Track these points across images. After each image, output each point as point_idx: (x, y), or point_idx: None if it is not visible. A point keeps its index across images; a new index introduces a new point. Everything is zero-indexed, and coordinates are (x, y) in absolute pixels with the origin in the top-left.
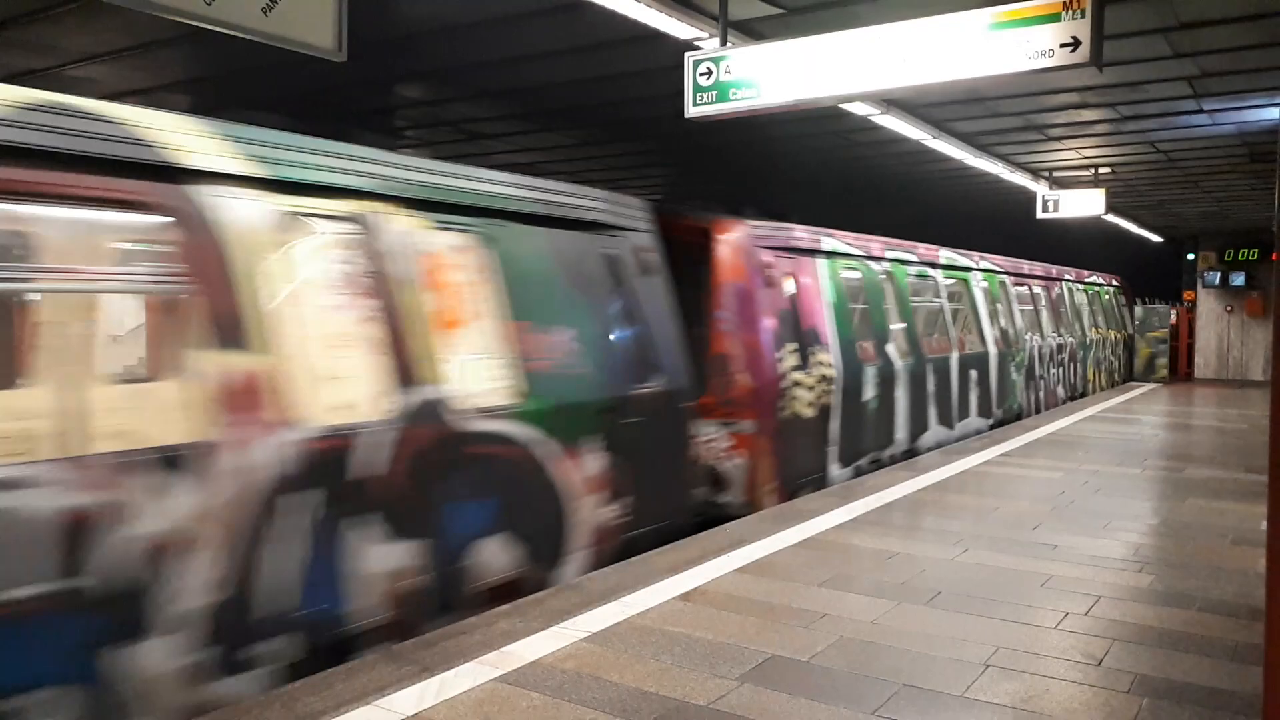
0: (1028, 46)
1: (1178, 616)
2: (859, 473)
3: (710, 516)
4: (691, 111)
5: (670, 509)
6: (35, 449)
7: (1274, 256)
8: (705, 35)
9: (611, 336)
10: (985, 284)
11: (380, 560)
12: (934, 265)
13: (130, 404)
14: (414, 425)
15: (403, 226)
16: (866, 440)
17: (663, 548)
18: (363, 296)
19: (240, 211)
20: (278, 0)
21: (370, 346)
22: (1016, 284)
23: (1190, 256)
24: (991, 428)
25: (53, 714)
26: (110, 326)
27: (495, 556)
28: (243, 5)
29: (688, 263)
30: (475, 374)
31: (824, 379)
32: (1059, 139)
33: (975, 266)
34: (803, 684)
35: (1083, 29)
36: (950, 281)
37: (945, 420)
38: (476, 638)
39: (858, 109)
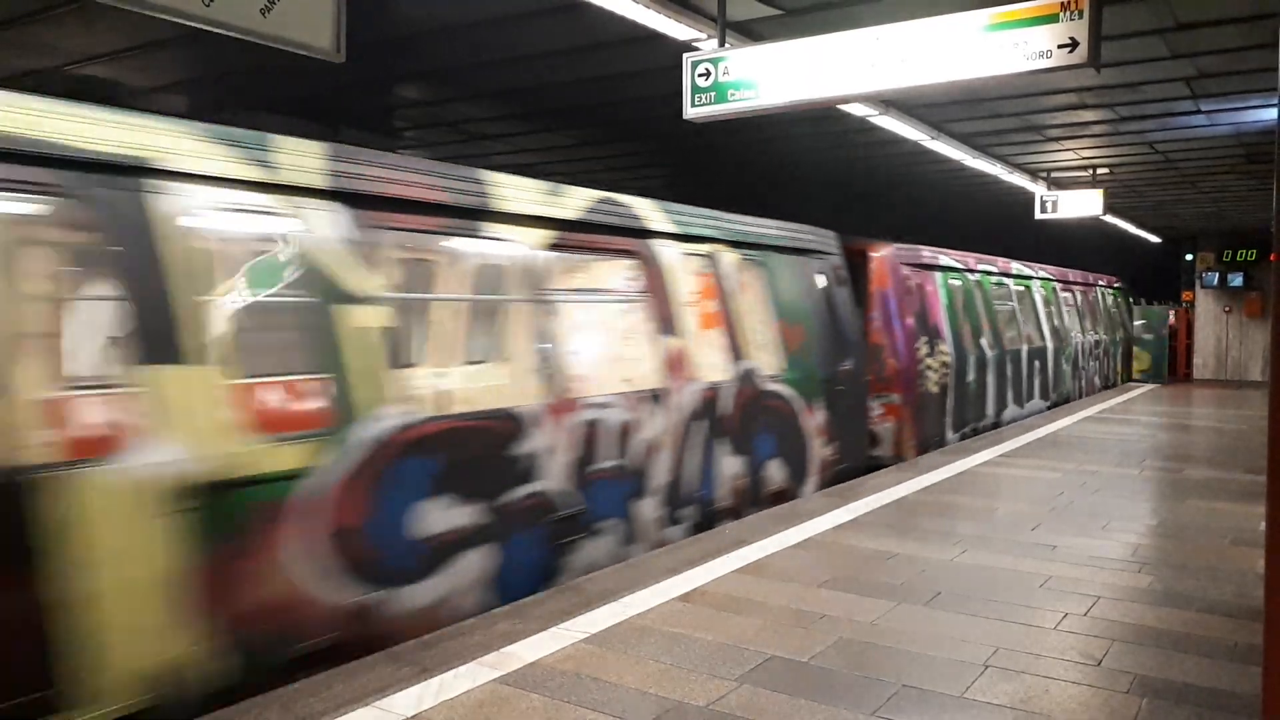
0: (1026, 47)
1: (1177, 617)
2: (963, 437)
3: (870, 466)
4: (690, 112)
5: (856, 454)
6: (615, 388)
7: (1272, 257)
8: (704, 36)
9: (824, 329)
10: (1042, 290)
11: (728, 467)
12: (1007, 275)
13: (637, 365)
14: (741, 384)
15: (729, 258)
16: (970, 413)
17: (662, 548)
18: (713, 303)
19: (668, 254)
20: (276, 1)
21: (718, 334)
22: (1064, 290)
23: (1189, 257)
24: (1048, 408)
25: (612, 535)
26: (622, 322)
27: (774, 472)
28: (241, 6)
29: (851, 274)
30: (762, 353)
31: (944, 364)
32: (1057, 140)
33: (1035, 275)
34: (802, 684)
35: (1080, 30)
36: (1018, 288)
37: (1018, 400)
38: (476, 639)
39: (856, 109)
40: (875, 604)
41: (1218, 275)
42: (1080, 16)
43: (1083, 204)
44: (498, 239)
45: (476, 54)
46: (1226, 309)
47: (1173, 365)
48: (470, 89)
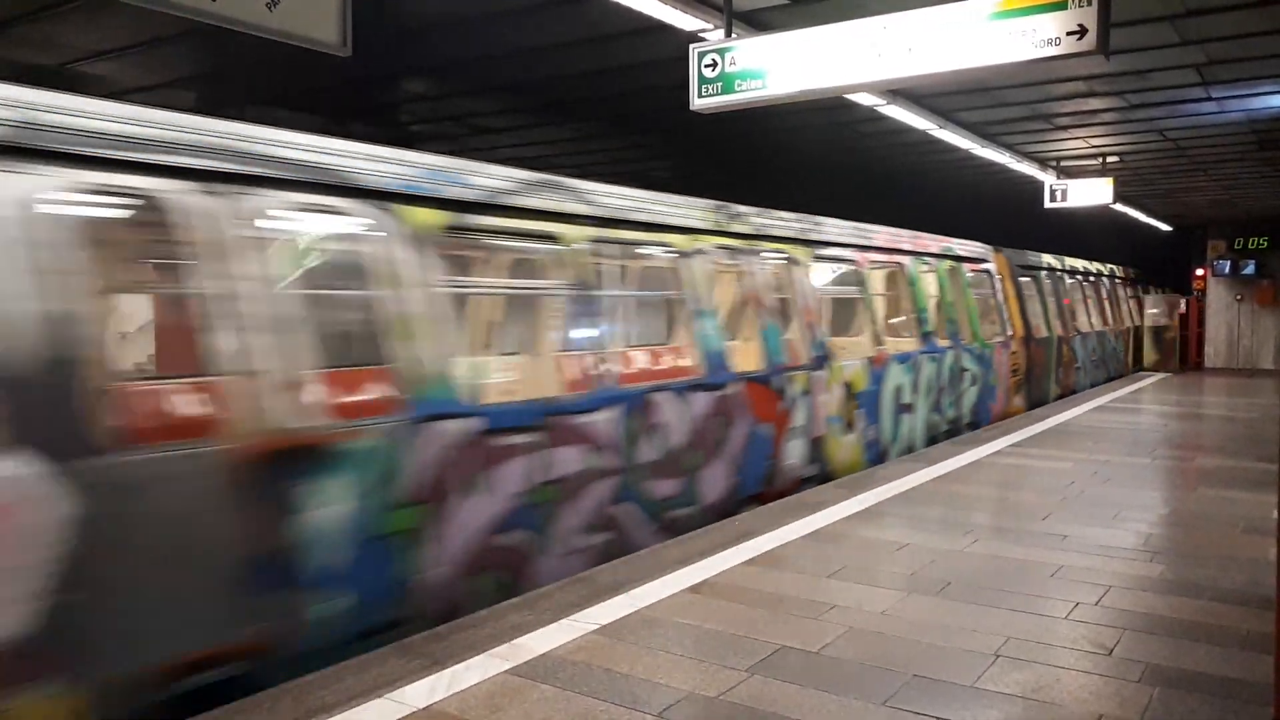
0: (1034, 35)
1: (1189, 606)
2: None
3: (1121, 373)
4: (697, 104)
5: (1122, 367)
6: (1110, 327)
7: None
8: (710, 27)
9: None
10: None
11: (1109, 355)
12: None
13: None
14: (1106, 329)
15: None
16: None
17: (671, 540)
18: (1110, 303)
19: (1119, 286)
20: None
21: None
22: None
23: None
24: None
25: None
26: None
27: (1120, 358)
28: (247, 1)
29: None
30: (1116, 320)
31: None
32: (1066, 128)
33: (1128, 277)
34: (812, 675)
35: (1089, 16)
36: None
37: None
38: (487, 630)
39: (863, 99)
40: (885, 594)
41: (1229, 263)
42: (1089, 3)
43: (1092, 192)
44: (1130, 288)
45: (483, 47)
46: (1238, 297)
47: (1184, 354)
48: (477, 82)
